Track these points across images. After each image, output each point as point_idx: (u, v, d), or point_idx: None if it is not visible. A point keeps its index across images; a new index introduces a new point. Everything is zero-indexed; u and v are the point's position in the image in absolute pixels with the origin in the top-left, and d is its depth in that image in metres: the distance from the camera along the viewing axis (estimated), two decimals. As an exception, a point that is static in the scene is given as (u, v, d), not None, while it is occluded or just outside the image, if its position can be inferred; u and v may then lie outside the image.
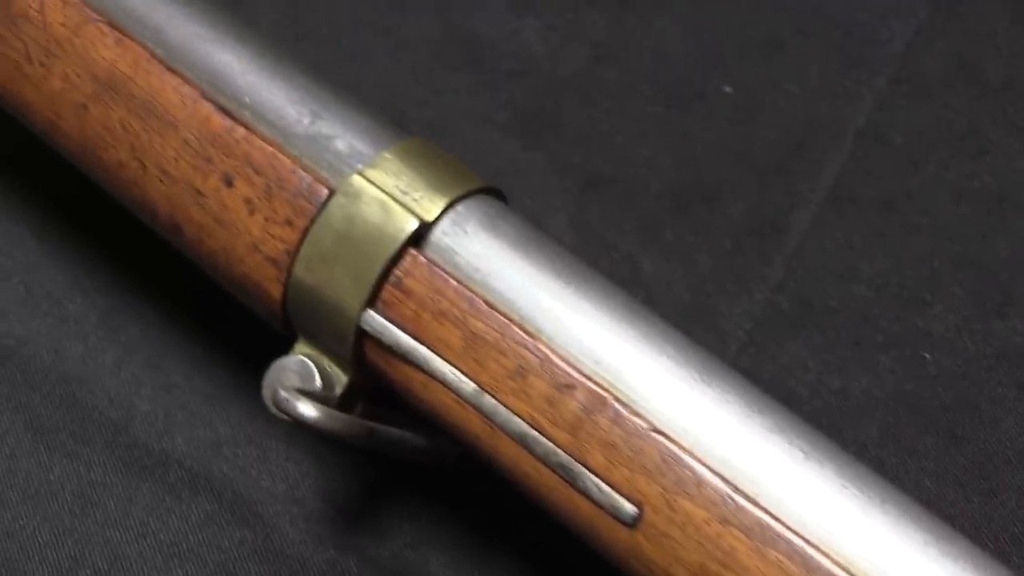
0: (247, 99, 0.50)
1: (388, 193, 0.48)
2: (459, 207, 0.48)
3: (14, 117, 0.55)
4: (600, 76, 0.65)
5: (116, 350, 0.58)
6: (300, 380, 0.49)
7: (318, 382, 0.49)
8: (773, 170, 0.62)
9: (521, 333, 0.46)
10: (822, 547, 0.42)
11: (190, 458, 0.55)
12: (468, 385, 0.46)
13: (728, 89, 0.64)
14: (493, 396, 0.46)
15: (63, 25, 0.53)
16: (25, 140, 0.57)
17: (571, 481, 0.45)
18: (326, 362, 0.50)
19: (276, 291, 0.49)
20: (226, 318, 0.56)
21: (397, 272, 0.47)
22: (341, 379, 0.49)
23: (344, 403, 0.49)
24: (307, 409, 0.47)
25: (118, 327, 0.58)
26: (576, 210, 0.61)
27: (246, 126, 0.50)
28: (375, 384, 0.50)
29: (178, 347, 0.58)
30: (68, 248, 0.61)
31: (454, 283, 0.47)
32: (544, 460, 0.45)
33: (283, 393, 0.47)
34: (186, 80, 0.51)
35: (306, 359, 0.49)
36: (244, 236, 0.49)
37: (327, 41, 0.66)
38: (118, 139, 0.52)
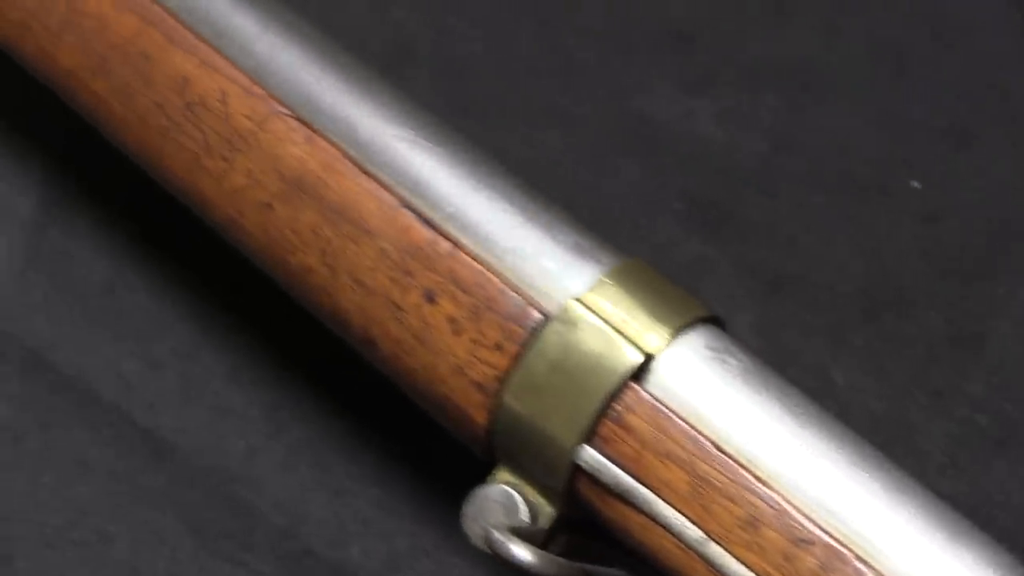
0: (451, 209, 0.47)
1: (608, 321, 0.45)
2: (683, 338, 0.45)
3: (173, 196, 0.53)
4: (779, 165, 0.62)
5: (281, 449, 0.55)
6: (504, 512, 0.46)
7: (524, 515, 0.46)
8: (967, 274, 0.59)
9: (753, 479, 0.43)
10: None
11: (365, 570, 0.53)
12: (694, 532, 0.43)
13: (915, 184, 0.61)
14: (722, 546, 0.43)
15: (247, 117, 0.50)
16: (175, 221, 0.54)
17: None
18: (530, 492, 0.47)
19: (481, 417, 0.46)
20: (401, 422, 0.54)
21: (617, 407, 0.44)
22: (546, 511, 0.47)
23: (549, 537, 0.47)
24: (523, 553, 0.44)
25: (282, 424, 0.56)
26: (760, 313, 0.58)
27: (451, 239, 0.47)
28: (583, 517, 0.47)
29: (348, 449, 0.55)
30: (227, 336, 0.58)
31: (679, 421, 0.44)
32: (779, 619, 0.42)
33: (497, 535, 0.44)
34: (383, 185, 0.48)
35: (510, 489, 0.47)
36: (447, 357, 0.47)
37: (496, 122, 0.63)
38: (307, 243, 0.49)
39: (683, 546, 0.44)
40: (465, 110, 0.64)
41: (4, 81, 0.62)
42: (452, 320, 0.46)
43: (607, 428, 0.45)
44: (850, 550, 0.42)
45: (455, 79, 0.65)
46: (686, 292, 0.47)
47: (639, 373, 0.44)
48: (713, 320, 0.47)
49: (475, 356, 0.46)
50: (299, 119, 0.50)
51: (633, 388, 0.44)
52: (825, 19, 0.65)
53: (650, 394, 0.44)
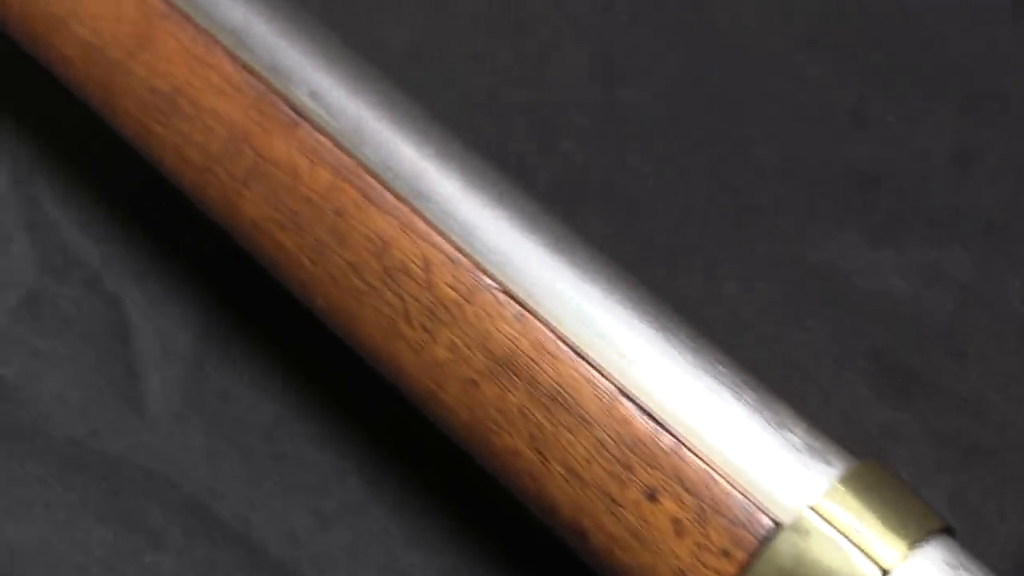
0: (673, 403, 0.45)
1: (842, 532, 0.43)
2: (920, 551, 0.43)
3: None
4: (969, 324, 0.60)
5: (462, 621, 0.53)
6: None
7: None
8: None
9: None
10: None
11: None
12: None
13: (1113, 345, 0.59)
14: None
15: (452, 287, 0.48)
16: (343, 367, 0.52)
17: None
18: None
19: (705, 625, 0.44)
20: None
21: (853, 625, 0.42)
22: None
23: None
24: None
25: (462, 593, 0.54)
26: (954, 485, 0.56)
27: (674, 434, 0.45)
28: None
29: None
30: (400, 492, 0.56)
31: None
32: None
33: None
34: (601, 372, 0.46)
35: None
36: (669, 559, 0.44)
37: (671, 265, 0.61)
38: (514, 425, 0.47)
39: None
40: (637, 251, 0.62)
41: (166, 209, 0.60)
42: (675, 521, 0.44)
43: (842, 647, 0.42)
44: None
45: (626, 217, 0.62)
46: (917, 497, 0.45)
47: (876, 590, 0.42)
48: (947, 530, 0.44)
49: (699, 560, 0.44)
50: (509, 294, 0.48)
51: (871, 606, 0.42)
52: (1015, 168, 0.62)
53: (889, 613, 0.42)
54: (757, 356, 0.58)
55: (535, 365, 0.46)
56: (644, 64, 0.65)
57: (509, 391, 0.47)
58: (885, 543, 0.43)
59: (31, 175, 0.63)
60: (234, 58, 0.52)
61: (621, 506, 0.45)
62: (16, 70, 0.64)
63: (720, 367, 0.46)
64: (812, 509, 0.43)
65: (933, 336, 0.59)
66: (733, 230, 0.62)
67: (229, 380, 0.58)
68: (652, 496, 0.45)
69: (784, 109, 0.64)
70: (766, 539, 0.43)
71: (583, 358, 0.46)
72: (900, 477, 0.45)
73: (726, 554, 0.44)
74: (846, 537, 0.43)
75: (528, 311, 0.47)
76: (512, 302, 0.47)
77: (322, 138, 0.51)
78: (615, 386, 0.46)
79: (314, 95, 0.51)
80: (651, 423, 0.45)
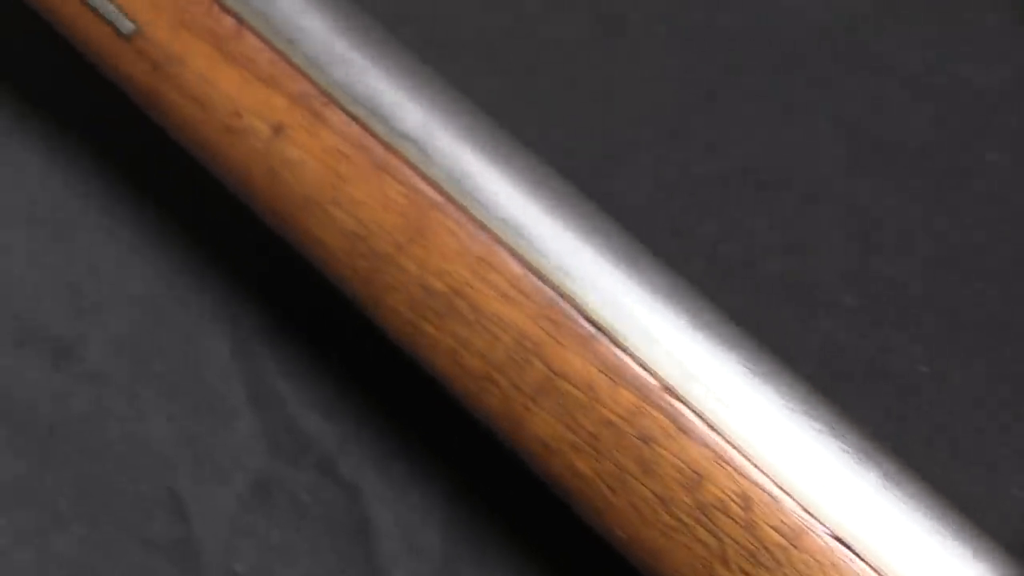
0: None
1: None
2: None
3: None
4: None
5: None
6: None
7: None
8: None
9: None
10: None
11: None
12: None
13: None
14: None
15: (776, 530, 0.44)
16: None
17: None
18: None
19: None
20: None
21: None
22: None
23: None
24: None
25: None
26: None
27: None
28: None
29: None
30: None
31: None
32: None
33: None
34: None
35: None
36: None
37: (945, 457, 0.57)
38: None
39: None
40: (906, 437, 0.57)
41: (403, 383, 0.56)
42: None
43: None
44: None
45: (894, 402, 0.58)
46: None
47: None
48: None
49: None
50: (842, 541, 0.43)
51: None
52: None
53: None
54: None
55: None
56: (906, 232, 0.61)
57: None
58: None
59: (253, 343, 0.59)
60: (520, 259, 0.48)
61: None
62: (234, 230, 0.60)
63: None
64: None
65: None
66: (1018, 423, 0.57)
67: (480, 577, 0.55)
68: None
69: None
70: None
71: None
72: None
73: None
74: None
75: (858, 556, 0.43)
76: (844, 549, 0.43)
77: (623, 355, 0.47)
78: None
79: (613, 306, 0.47)
80: None
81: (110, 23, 0.54)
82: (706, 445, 0.45)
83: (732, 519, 0.45)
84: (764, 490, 0.45)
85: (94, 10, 0.54)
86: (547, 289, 0.48)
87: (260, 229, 0.54)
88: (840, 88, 0.64)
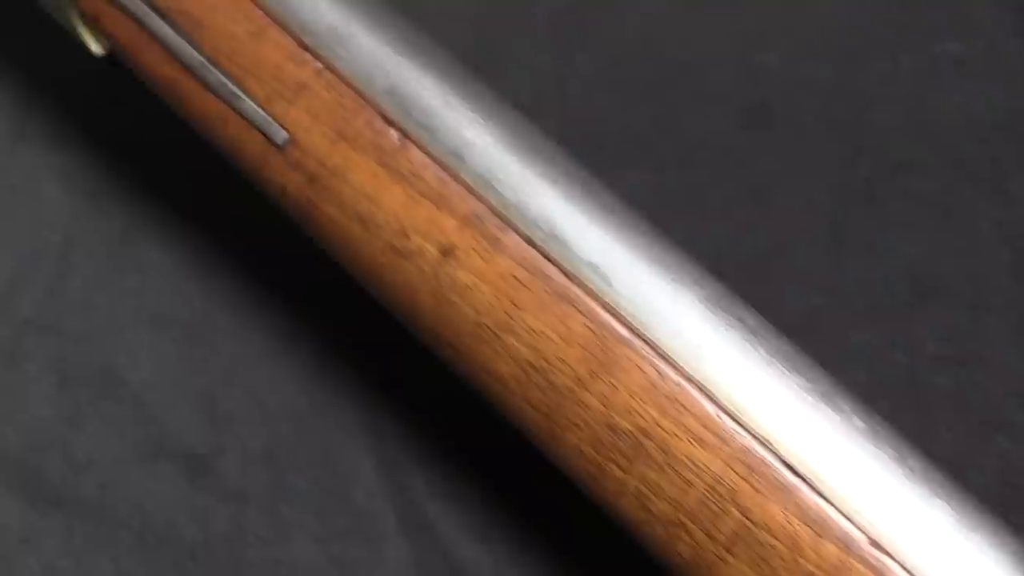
0: None
1: None
2: None
3: None
4: None
5: None
6: None
7: None
8: None
9: None
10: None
11: None
12: None
13: None
14: None
15: None
16: None
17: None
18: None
19: None
20: None
21: None
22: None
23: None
24: None
25: None
26: None
27: None
28: None
29: None
30: None
31: None
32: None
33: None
34: None
35: None
36: None
37: None
38: None
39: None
40: None
41: (561, 508, 0.54)
42: None
43: None
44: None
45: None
46: None
47: None
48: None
49: None
50: None
51: None
52: None
53: None
54: None
55: None
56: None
57: None
58: None
59: (400, 459, 0.57)
60: (714, 401, 0.46)
61: None
62: (374, 336, 0.57)
63: None
64: None
65: None
66: None
67: None
68: None
69: None
70: None
71: None
72: None
73: None
74: None
75: None
76: None
77: (827, 505, 0.44)
78: None
79: (814, 451, 0.45)
80: None
81: (262, 132, 0.51)
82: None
83: None
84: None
85: (244, 117, 0.52)
86: (743, 433, 0.45)
87: (403, 336, 0.51)
88: (1001, 190, 0.61)
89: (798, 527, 0.44)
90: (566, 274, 0.48)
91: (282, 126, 0.51)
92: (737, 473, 0.45)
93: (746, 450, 0.45)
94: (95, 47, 0.56)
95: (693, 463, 0.46)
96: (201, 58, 0.52)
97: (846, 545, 0.44)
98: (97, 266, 0.61)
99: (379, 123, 0.50)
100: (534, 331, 0.48)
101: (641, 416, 0.46)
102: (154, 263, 0.61)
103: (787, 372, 0.46)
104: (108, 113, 0.64)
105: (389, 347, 0.57)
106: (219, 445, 0.57)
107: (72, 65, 0.62)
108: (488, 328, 0.48)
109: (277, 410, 0.57)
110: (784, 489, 0.45)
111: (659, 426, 0.46)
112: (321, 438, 0.57)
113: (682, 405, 0.46)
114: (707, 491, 0.45)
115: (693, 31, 0.65)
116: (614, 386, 0.47)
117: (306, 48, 0.51)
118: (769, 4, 0.65)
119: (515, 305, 0.48)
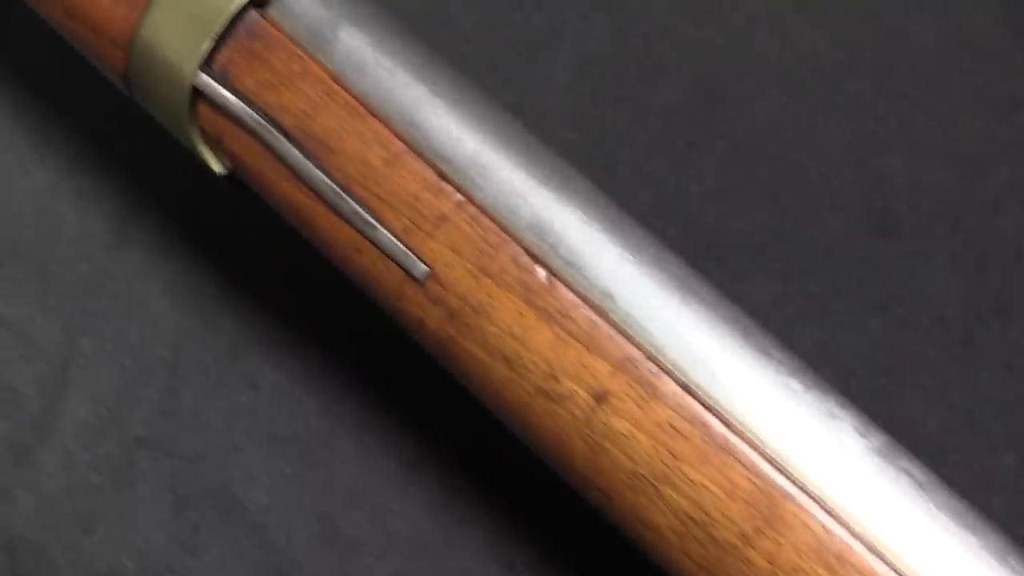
0: None
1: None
2: None
3: None
4: None
5: None
6: None
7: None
8: None
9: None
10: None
11: None
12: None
13: None
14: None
15: None
16: None
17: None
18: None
19: None
20: None
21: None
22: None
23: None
24: None
25: None
26: None
27: None
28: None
29: None
30: None
31: None
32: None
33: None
34: None
35: None
36: None
37: None
38: None
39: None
40: None
41: None
42: None
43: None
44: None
45: None
46: None
47: None
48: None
49: None
50: None
51: None
52: None
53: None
54: None
55: None
56: None
57: None
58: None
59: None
60: (882, 557, 0.44)
61: None
62: (499, 457, 0.56)
63: None
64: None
65: None
66: None
67: None
68: None
69: None
70: None
71: None
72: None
73: None
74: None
75: None
76: None
77: None
78: None
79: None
80: None
81: (400, 264, 0.50)
82: None
83: None
84: None
85: (380, 248, 0.50)
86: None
87: (527, 454, 0.50)
88: None
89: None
90: (727, 424, 0.46)
91: (422, 260, 0.50)
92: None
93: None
94: (216, 166, 0.54)
95: (866, 625, 0.44)
96: (333, 185, 0.51)
97: None
98: (208, 382, 0.59)
99: (524, 259, 0.49)
100: (694, 483, 0.46)
101: (808, 575, 0.45)
102: (266, 379, 0.59)
103: (958, 530, 0.45)
104: (213, 218, 0.62)
105: (515, 467, 0.55)
106: (345, 574, 0.55)
107: (176, 168, 0.61)
108: (645, 478, 0.47)
109: (403, 536, 0.56)
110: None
111: (829, 586, 0.45)
112: (452, 568, 0.55)
113: (851, 564, 0.45)
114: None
115: (810, 134, 0.63)
116: (779, 543, 0.45)
117: (444, 178, 0.50)
118: (888, 106, 0.63)
119: (673, 455, 0.46)
